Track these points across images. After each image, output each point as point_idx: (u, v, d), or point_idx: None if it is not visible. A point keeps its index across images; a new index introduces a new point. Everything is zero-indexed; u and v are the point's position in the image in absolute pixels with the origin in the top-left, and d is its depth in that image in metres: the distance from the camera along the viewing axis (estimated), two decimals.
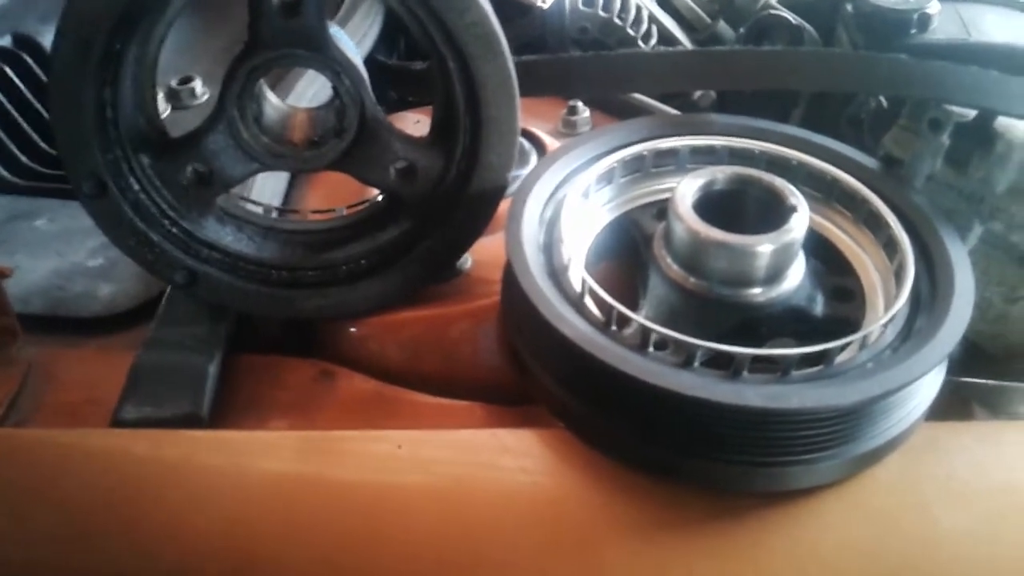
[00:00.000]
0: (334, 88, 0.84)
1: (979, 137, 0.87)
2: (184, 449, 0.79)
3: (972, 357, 0.94)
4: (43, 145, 1.19)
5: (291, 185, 1.11)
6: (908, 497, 0.76)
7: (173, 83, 1.22)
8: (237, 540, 0.76)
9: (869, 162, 0.90)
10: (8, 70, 1.19)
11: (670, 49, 1.34)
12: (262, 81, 0.85)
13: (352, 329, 0.95)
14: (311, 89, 1.15)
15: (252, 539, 0.76)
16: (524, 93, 0.85)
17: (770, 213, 0.81)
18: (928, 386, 0.77)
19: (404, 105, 1.30)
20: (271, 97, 0.89)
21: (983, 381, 0.93)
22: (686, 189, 0.81)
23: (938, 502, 0.76)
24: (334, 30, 0.83)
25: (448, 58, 0.82)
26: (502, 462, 0.78)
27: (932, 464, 0.77)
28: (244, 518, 0.77)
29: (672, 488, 0.75)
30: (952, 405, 0.83)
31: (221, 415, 0.85)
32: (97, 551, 0.77)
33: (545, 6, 1.31)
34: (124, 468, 0.78)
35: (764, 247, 0.77)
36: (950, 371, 0.81)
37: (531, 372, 0.81)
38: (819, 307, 0.82)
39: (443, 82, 0.85)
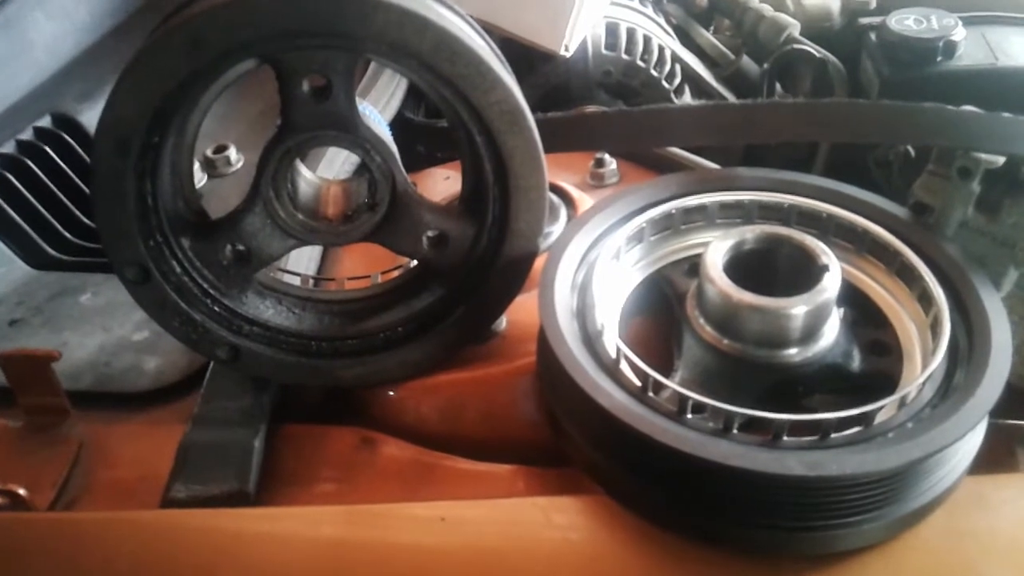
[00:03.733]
0: (365, 164, 0.86)
1: (1010, 183, 0.86)
2: (234, 527, 0.81)
3: (1014, 399, 0.93)
4: (85, 220, 1.23)
5: (326, 250, 1.13)
6: (953, 555, 0.75)
7: (208, 152, 1.25)
8: None
9: (899, 211, 0.90)
10: (49, 149, 1.23)
11: (695, 104, 1.35)
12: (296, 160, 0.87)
13: (391, 393, 0.96)
14: (343, 153, 1.17)
15: None
16: (551, 149, 0.86)
17: (802, 272, 0.81)
18: (970, 442, 0.77)
19: (432, 160, 1.32)
20: (304, 172, 0.91)
21: None
22: (716, 251, 0.82)
23: (983, 558, 0.75)
24: (362, 108, 0.85)
25: (475, 132, 0.84)
26: (542, 530, 0.79)
27: (976, 520, 0.77)
28: None
29: (715, 553, 0.75)
30: (995, 450, 0.83)
31: (266, 487, 0.87)
32: None
33: (568, 54, 1.32)
34: (176, 548, 0.80)
35: (798, 309, 0.78)
36: (992, 414, 0.80)
37: (569, 437, 0.82)
38: (856, 363, 0.82)
39: (471, 154, 0.87)
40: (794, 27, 1.43)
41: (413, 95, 1.40)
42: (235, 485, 0.83)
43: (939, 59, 1.20)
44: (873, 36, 1.28)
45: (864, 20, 1.35)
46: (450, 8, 0.83)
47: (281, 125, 0.83)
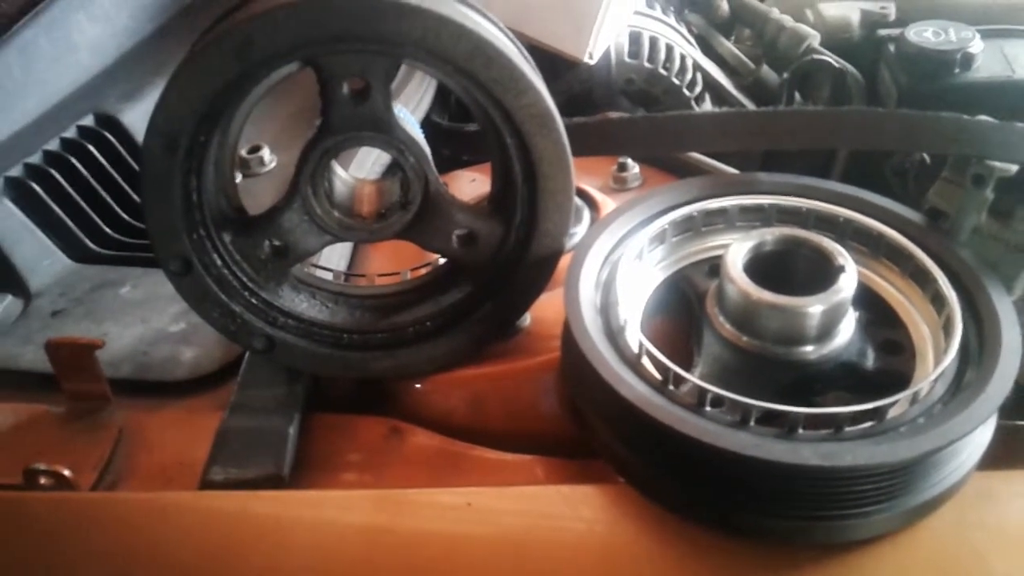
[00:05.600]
0: (399, 164, 0.90)
1: (1022, 190, 0.89)
2: (269, 508, 0.84)
3: (1023, 401, 0.96)
4: (125, 216, 1.27)
5: (356, 248, 1.17)
6: (962, 546, 0.78)
7: (243, 152, 1.29)
8: None
9: (914, 216, 0.93)
10: (92, 147, 1.27)
11: (717, 111, 1.38)
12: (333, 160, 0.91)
13: (418, 386, 1.00)
14: (373, 153, 1.21)
15: None
16: (576, 154, 0.89)
17: (819, 273, 0.84)
18: (979, 437, 0.80)
19: (457, 163, 1.35)
20: (340, 172, 0.94)
21: None
22: (737, 252, 0.85)
23: (991, 550, 0.78)
24: (397, 109, 0.89)
25: (505, 134, 0.87)
26: (565, 516, 0.82)
27: (985, 513, 0.79)
28: (326, 574, 0.81)
29: (731, 541, 0.78)
30: (1004, 449, 0.85)
31: (299, 473, 0.90)
32: None
33: (592, 62, 1.36)
34: (213, 529, 0.84)
35: (815, 308, 0.81)
36: (1002, 415, 0.83)
37: (592, 429, 0.85)
38: (870, 361, 0.85)
39: (501, 156, 0.90)
40: (814, 38, 1.46)
41: (439, 100, 1.44)
42: (271, 469, 0.87)
43: (956, 71, 1.22)
44: (892, 47, 1.30)
45: (883, 31, 1.38)
46: (484, 15, 0.87)
47: (321, 125, 0.87)
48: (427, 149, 0.90)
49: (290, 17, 0.78)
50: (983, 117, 0.92)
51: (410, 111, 1.27)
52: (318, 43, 0.80)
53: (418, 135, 0.90)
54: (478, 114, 0.89)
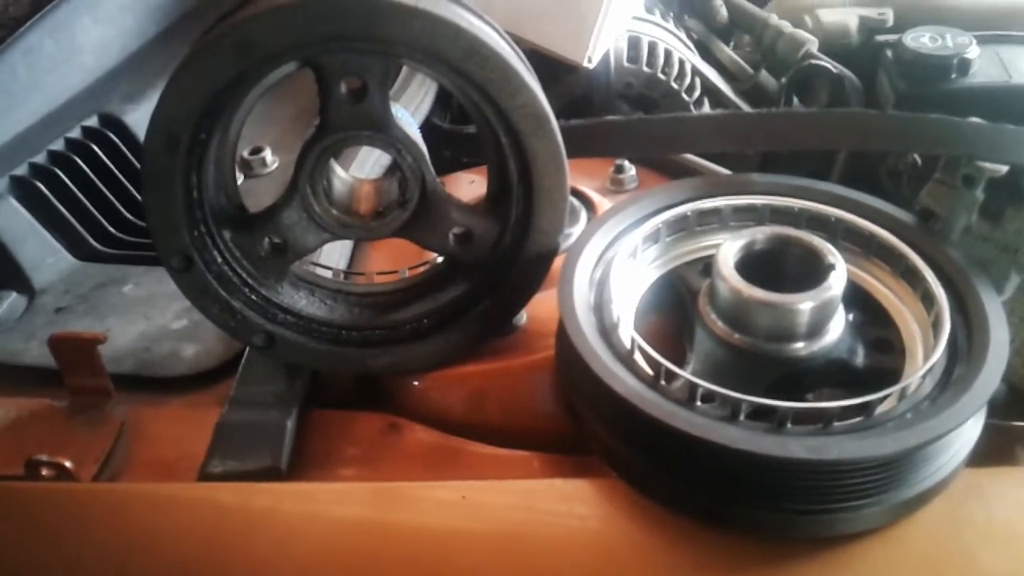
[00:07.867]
0: (396, 163, 0.91)
1: (1012, 191, 0.90)
2: (267, 500, 0.85)
3: (1014, 401, 0.97)
4: (128, 216, 1.29)
5: (356, 247, 1.19)
6: (950, 541, 0.79)
7: (245, 153, 1.31)
8: None
9: (906, 217, 0.94)
10: (95, 147, 1.29)
11: (712, 112, 1.39)
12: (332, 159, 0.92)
13: (415, 383, 1.01)
14: (373, 155, 1.23)
15: None
16: (573, 155, 0.90)
17: (809, 271, 0.85)
18: (967, 433, 0.80)
19: (457, 164, 1.37)
20: (339, 171, 0.96)
21: None
22: (729, 250, 0.86)
23: (979, 546, 0.79)
24: (395, 109, 0.90)
25: (501, 134, 0.88)
26: (559, 510, 0.83)
27: (973, 509, 0.80)
28: (322, 564, 0.82)
29: (721, 535, 0.79)
30: (994, 449, 0.86)
31: (297, 467, 0.91)
32: None
33: (591, 66, 1.37)
34: (211, 519, 0.85)
35: (805, 304, 0.82)
36: (993, 415, 0.84)
37: (585, 425, 0.87)
38: (860, 358, 0.86)
39: (497, 155, 0.92)
40: (812, 43, 1.47)
41: (440, 102, 1.45)
42: (269, 462, 0.88)
43: (953, 76, 1.23)
44: (889, 53, 1.30)
45: (881, 37, 1.38)
46: (480, 17, 0.88)
47: (319, 125, 0.88)
48: (424, 148, 0.92)
49: (288, 18, 0.79)
50: (974, 119, 0.93)
51: (410, 113, 1.29)
52: (316, 43, 0.81)
53: (415, 135, 0.91)
54: (474, 114, 0.91)
